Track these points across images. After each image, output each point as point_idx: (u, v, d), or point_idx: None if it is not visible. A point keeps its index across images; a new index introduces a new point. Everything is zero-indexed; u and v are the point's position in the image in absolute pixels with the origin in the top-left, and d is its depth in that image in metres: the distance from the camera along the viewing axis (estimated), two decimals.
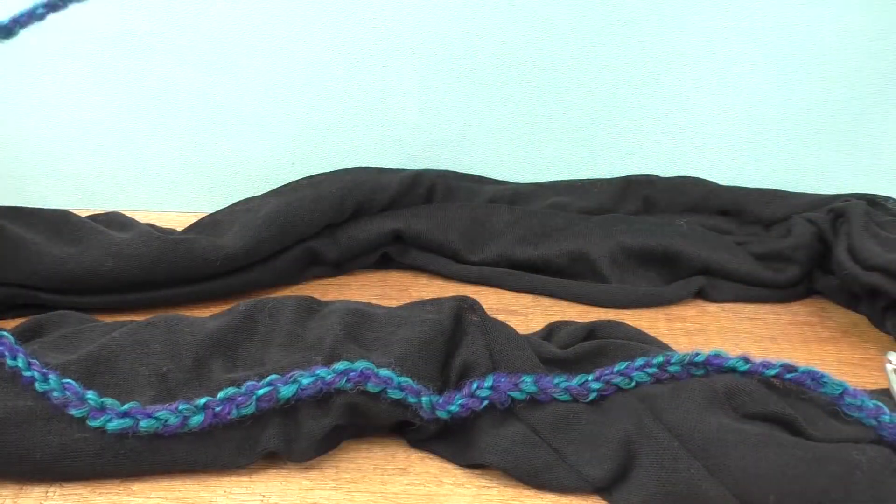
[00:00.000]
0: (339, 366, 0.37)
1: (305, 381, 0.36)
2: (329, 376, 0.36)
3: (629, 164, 0.63)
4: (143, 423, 0.35)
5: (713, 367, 0.38)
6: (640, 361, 0.38)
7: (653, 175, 0.60)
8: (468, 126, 0.63)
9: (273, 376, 0.36)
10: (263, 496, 0.36)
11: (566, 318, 0.47)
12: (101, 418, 0.35)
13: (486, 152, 0.64)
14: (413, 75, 0.62)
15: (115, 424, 0.34)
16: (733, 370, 0.38)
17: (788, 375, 0.37)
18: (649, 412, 0.37)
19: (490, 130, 0.63)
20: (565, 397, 0.37)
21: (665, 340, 0.43)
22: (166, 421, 0.35)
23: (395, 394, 0.36)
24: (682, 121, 0.62)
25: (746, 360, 0.38)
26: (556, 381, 0.38)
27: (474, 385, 0.37)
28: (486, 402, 0.37)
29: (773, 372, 0.37)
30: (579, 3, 0.58)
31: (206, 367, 0.38)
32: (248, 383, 0.36)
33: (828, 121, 0.61)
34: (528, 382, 0.37)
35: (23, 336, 0.41)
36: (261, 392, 0.36)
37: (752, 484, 0.34)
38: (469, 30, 0.60)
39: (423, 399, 0.37)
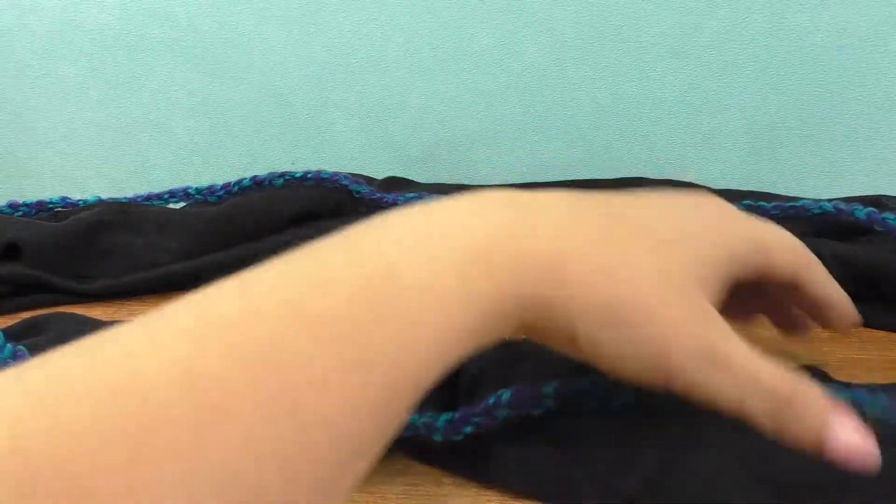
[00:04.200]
0: None
1: None
2: None
3: (628, 165, 0.63)
4: None
5: None
6: None
7: (644, 178, 0.59)
8: (468, 127, 0.63)
9: None
10: None
11: None
12: None
13: (485, 153, 0.64)
14: (413, 75, 0.62)
15: None
16: None
17: None
18: (688, 420, 0.34)
19: (489, 131, 0.63)
20: (592, 405, 0.35)
21: None
22: None
23: (407, 433, 0.35)
24: (682, 121, 0.62)
25: None
26: (579, 387, 0.35)
27: (491, 401, 0.34)
28: (503, 418, 0.34)
29: None
30: (580, 2, 0.58)
31: None
32: None
33: (828, 121, 0.61)
34: (549, 396, 0.34)
35: (19, 335, 0.41)
36: None
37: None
38: (469, 30, 0.60)
39: (438, 428, 0.35)
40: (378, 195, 0.55)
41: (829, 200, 0.52)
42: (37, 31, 0.62)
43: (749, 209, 0.52)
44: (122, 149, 0.66)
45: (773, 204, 0.52)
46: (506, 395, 0.34)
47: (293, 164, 0.58)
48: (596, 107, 0.61)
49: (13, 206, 0.54)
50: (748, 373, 0.29)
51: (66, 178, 0.66)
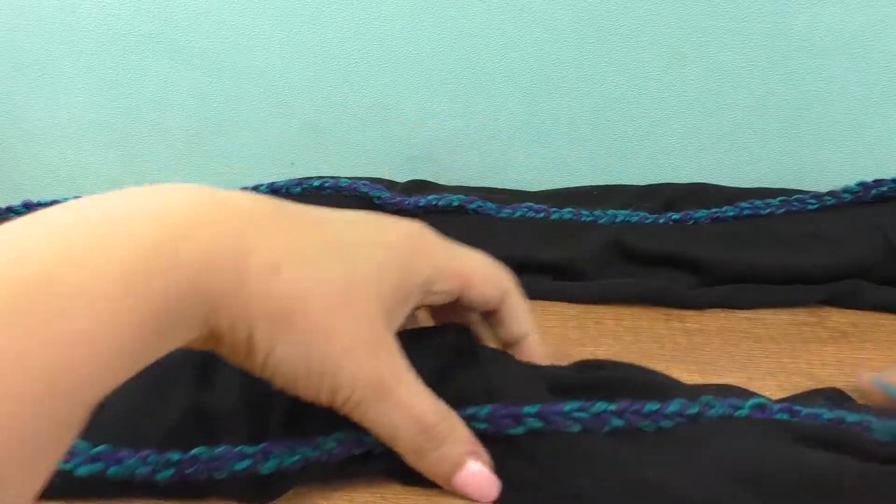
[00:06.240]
0: (325, 444, 0.33)
1: (288, 461, 0.33)
2: (314, 454, 0.34)
3: (630, 166, 0.63)
4: (112, 471, 0.33)
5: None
6: (674, 406, 0.34)
7: (672, 183, 0.59)
8: (468, 127, 0.63)
9: (249, 448, 0.33)
10: None
11: (565, 319, 0.47)
12: (72, 461, 0.33)
13: (486, 153, 0.63)
14: (413, 75, 0.62)
15: (84, 470, 0.33)
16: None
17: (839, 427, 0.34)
18: (695, 447, 0.33)
19: (491, 131, 0.63)
20: (576, 429, 0.34)
21: (663, 341, 0.43)
22: (135, 470, 0.33)
23: (379, 451, 0.34)
24: (683, 121, 0.62)
25: (792, 411, 0.35)
26: (566, 408, 0.33)
27: (468, 412, 0.34)
28: (479, 432, 0.34)
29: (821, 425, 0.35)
30: (581, 3, 0.58)
31: (169, 389, 0.37)
32: (223, 448, 0.33)
33: (828, 120, 0.61)
34: (531, 417, 0.33)
35: None
36: (239, 466, 0.33)
37: None
38: (470, 30, 0.60)
39: None
40: (398, 198, 0.54)
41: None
42: (37, 31, 0.62)
43: (785, 204, 0.53)
44: (122, 149, 0.66)
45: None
46: (485, 409, 0.34)
47: (293, 164, 0.58)
48: (596, 107, 0.61)
49: (28, 206, 0.55)
50: (406, 406, 0.31)
51: (65, 178, 0.66)
